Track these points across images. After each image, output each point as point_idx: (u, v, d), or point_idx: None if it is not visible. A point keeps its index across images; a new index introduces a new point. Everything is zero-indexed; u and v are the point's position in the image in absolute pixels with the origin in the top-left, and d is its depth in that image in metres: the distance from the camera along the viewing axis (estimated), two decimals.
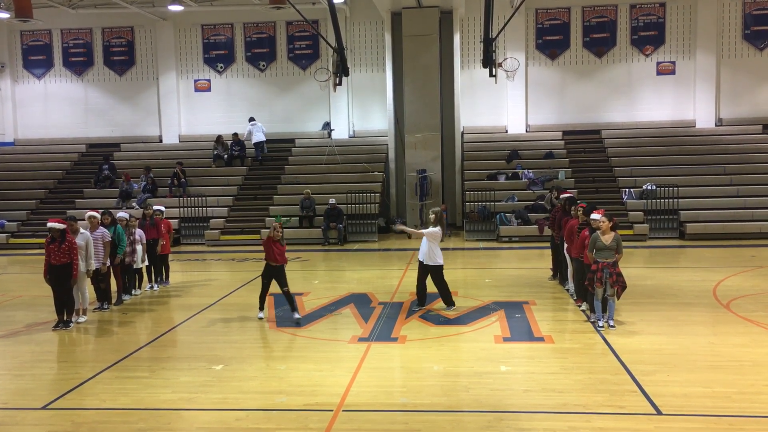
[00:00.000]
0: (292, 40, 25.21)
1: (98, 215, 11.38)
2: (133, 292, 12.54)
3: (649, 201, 19.93)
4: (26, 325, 10.63)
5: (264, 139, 23.58)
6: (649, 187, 20.30)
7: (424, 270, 10.74)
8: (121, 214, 12.36)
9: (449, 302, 10.80)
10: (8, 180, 24.31)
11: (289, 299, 10.33)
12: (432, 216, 10.83)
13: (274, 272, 10.29)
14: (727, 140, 22.73)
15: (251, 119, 23.72)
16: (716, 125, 23.54)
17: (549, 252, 13.53)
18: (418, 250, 10.98)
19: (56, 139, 26.31)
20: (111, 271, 11.58)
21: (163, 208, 13.90)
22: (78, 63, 26.22)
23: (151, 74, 25.96)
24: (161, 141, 25.97)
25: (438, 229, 10.65)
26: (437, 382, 7.43)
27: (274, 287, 10.34)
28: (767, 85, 23.39)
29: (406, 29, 22.08)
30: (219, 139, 24.08)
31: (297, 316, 10.26)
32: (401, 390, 7.29)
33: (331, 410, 6.66)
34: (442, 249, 10.81)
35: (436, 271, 10.69)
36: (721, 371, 7.56)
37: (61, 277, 10.08)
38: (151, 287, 13.26)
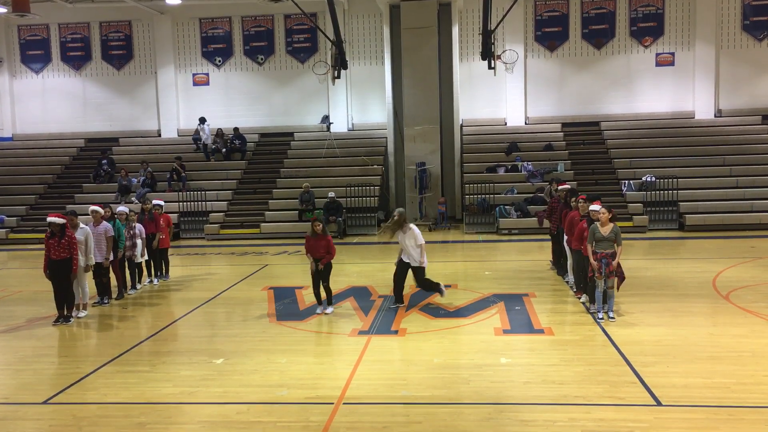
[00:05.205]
0: (290, 33, 25.14)
1: (101, 210, 11.39)
2: (137, 286, 12.57)
3: (649, 192, 19.91)
4: (27, 320, 10.64)
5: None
6: (649, 179, 20.28)
7: (407, 269, 10.54)
8: (121, 208, 12.37)
9: (440, 289, 10.67)
10: (7, 175, 24.26)
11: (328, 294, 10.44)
12: (396, 217, 10.49)
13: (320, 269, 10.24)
14: (727, 131, 22.68)
15: (203, 120, 23.95)
16: (715, 116, 23.50)
17: (549, 244, 13.54)
18: None
19: (55, 133, 26.26)
20: (111, 265, 11.59)
21: (162, 203, 13.87)
22: (76, 57, 26.14)
23: (149, 68, 25.90)
24: (160, 135, 25.92)
25: (419, 233, 10.44)
26: (437, 375, 7.45)
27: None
28: (766, 75, 23.33)
29: (404, 22, 22.00)
30: (218, 133, 24.07)
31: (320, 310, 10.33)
32: (402, 383, 7.31)
33: (332, 403, 6.68)
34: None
35: (421, 272, 10.52)
36: (721, 362, 7.58)
37: (61, 272, 10.08)
38: (151, 281, 13.28)
